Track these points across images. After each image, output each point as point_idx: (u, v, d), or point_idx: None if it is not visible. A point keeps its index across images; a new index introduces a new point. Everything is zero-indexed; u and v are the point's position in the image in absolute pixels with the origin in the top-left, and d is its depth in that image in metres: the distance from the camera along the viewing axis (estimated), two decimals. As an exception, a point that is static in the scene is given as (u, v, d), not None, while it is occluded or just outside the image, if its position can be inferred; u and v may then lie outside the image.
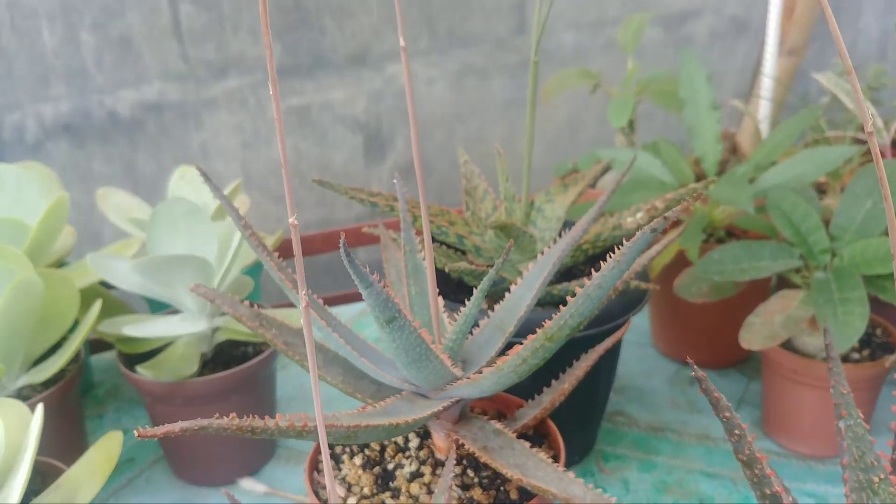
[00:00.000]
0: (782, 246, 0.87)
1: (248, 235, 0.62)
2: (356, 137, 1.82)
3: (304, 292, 0.39)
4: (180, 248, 0.86)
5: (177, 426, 0.45)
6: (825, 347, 0.53)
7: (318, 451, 0.66)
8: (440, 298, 0.66)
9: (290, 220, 0.37)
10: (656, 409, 1.00)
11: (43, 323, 0.86)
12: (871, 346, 0.89)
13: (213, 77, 1.64)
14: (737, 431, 0.45)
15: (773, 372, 0.90)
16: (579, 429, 0.90)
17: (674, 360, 1.10)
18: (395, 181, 0.67)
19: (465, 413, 0.65)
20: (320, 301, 0.63)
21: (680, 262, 0.95)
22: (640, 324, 1.18)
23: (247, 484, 0.90)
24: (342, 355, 0.64)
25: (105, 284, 1.00)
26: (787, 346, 0.88)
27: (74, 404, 0.90)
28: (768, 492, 0.45)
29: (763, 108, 1.34)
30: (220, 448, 0.89)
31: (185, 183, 1.10)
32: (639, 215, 0.80)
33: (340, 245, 0.46)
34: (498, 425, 0.63)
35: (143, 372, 0.80)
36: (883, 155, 1.09)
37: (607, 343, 0.70)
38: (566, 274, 0.86)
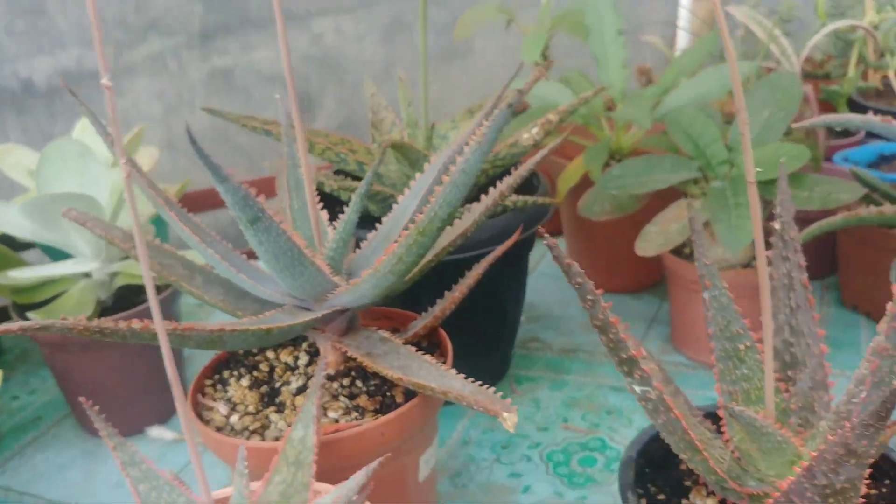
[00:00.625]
0: (681, 159, 0.88)
1: (125, 163, 0.60)
2: (283, 98, 1.79)
3: (124, 161, 0.38)
4: (71, 188, 0.83)
5: (14, 326, 0.44)
6: (689, 221, 0.53)
7: (203, 376, 0.65)
8: (324, 212, 0.65)
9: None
10: (570, 334, 1.00)
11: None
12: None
13: (133, 41, 1.59)
14: (589, 297, 0.45)
15: (677, 286, 0.91)
16: (489, 353, 0.90)
17: (591, 288, 1.10)
18: (276, 96, 0.66)
19: (354, 325, 0.64)
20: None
21: (588, 186, 0.95)
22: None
23: (155, 432, 0.88)
24: (224, 275, 0.62)
25: (6, 243, 0.96)
26: (689, 258, 0.89)
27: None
28: (624, 356, 0.45)
29: (681, 41, 1.35)
30: (127, 398, 0.87)
31: (87, 134, 1.07)
32: (534, 130, 0.79)
33: (188, 134, 0.45)
34: (385, 334, 0.62)
35: (33, 317, 0.78)
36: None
37: (498, 251, 0.70)
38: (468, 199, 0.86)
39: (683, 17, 1.34)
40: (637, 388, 0.47)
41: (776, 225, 0.57)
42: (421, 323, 0.66)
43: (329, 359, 0.63)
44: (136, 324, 0.48)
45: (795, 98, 0.87)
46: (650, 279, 1.07)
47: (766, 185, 0.84)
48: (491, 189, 0.68)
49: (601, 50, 1.03)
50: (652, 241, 0.80)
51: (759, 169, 0.84)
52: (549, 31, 1.17)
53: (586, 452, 0.80)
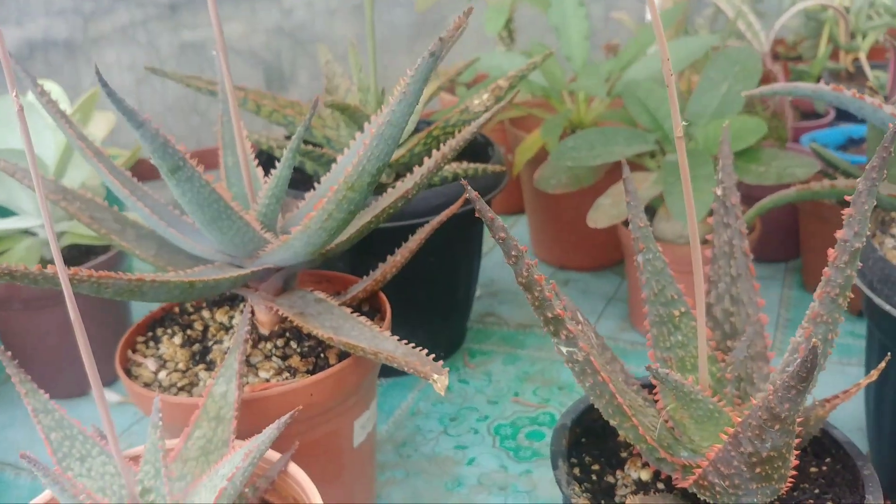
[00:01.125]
0: (637, 132, 0.87)
1: (59, 117, 0.58)
2: (256, 72, 1.76)
3: (13, 93, 0.36)
4: (14, 145, 0.81)
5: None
6: (623, 183, 0.51)
7: (135, 332, 0.63)
8: (259, 169, 0.63)
9: None
10: (527, 309, 0.99)
11: None
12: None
13: (101, 13, 1.56)
14: (514, 253, 0.43)
15: (632, 262, 0.89)
16: (441, 324, 0.89)
17: (551, 265, 1.09)
18: (213, 52, 0.63)
19: (290, 286, 0.63)
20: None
21: (546, 160, 0.94)
22: (520, 235, 1.17)
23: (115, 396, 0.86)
24: (158, 232, 0.60)
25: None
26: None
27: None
28: (550, 315, 0.44)
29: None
30: (72, 359, 0.85)
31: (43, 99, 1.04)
32: (485, 96, 0.78)
33: (97, 76, 0.43)
34: (321, 295, 0.61)
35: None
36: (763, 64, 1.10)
37: (442, 216, 0.68)
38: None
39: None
40: (563, 349, 0.45)
41: (717, 191, 0.56)
42: (361, 286, 0.65)
43: (261, 318, 0.61)
44: (47, 269, 0.46)
45: (754, 72, 0.85)
46: (612, 257, 1.06)
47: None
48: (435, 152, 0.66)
49: (561, 21, 1.01)
50: (605, 212, 0.79)
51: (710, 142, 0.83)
52: (513, 3, 1.15)
53: (535, 427, 0.79)
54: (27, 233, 0.84)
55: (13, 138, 0.81)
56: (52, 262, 0.85)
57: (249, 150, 0.63)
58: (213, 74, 1.80)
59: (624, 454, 0.54)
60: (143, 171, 0.72)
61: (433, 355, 0.52)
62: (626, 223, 0.88)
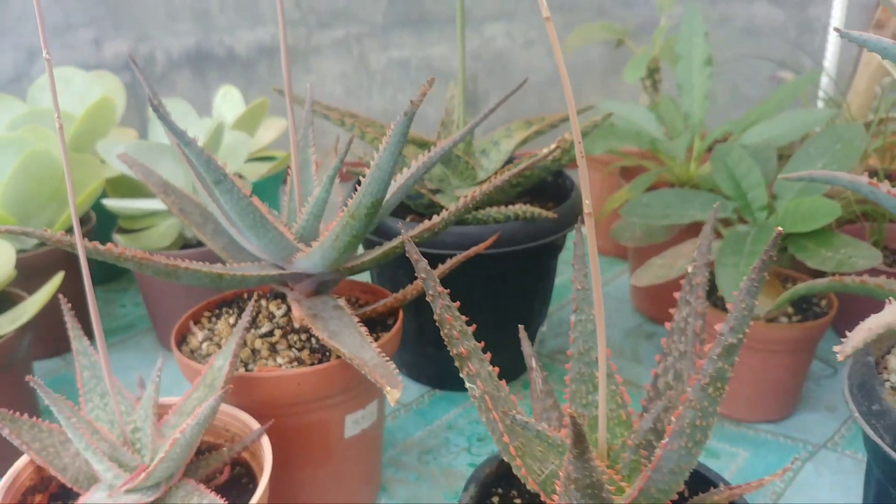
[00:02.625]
0: (716, 198, 0.86)
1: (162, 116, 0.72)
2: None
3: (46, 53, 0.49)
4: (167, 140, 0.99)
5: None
6: (575, 254, 0.55)
7: (204, 307, 0.77)
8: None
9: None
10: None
11: (63, 197, 1.02)
12: (806, 312, 0.86)
13: (322, 25, 1.78)
14: (431, 292, 0.49)
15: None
16: (499, 353, 0.94)
17: (643, 315, 1.10)
18: (307, 85, 0.75)
19: (323, 290, 0.73)
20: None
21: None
22: (626, 282, 1.18)
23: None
24: (227, 230, 0.73)
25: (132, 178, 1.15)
26: (717, 303, 0.88)
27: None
28: (455, 352, 0.49)
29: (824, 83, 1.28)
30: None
31: (226, 101, 1.24)
32: (553, 146, 0.82)
33: (138, 72, 0.55)
34: (341, 303, 0.70)
35: (118, 238, 0.95)
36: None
37: (469, 252, 0.75)
38: (492, 201, 0.91)
39: (829, 59, 1.27)
40: (467, 384, 0.51)
41: (689, 268, 0.57)
42: (382, 302, 0.73)
43: (295, 313, 0.72)
44: (102, 246, 0.60)
45: (856, 151, 0.82)
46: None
47: (797, 237, 0.81)
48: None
49: (686, 78, 1.02)
50: (651, 273, 0.80)
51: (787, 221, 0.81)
52: (657, 55, 1.17)
53: (559, 464, 0.83)
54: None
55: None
56: (191, 241, 1.02)
57: (313, 171, 0.74)
58: (412, 91, 1.96)
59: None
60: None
61: (396, 370, 0.59)
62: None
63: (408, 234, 0.68)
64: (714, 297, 0.89)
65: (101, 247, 0.59)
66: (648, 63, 1.23)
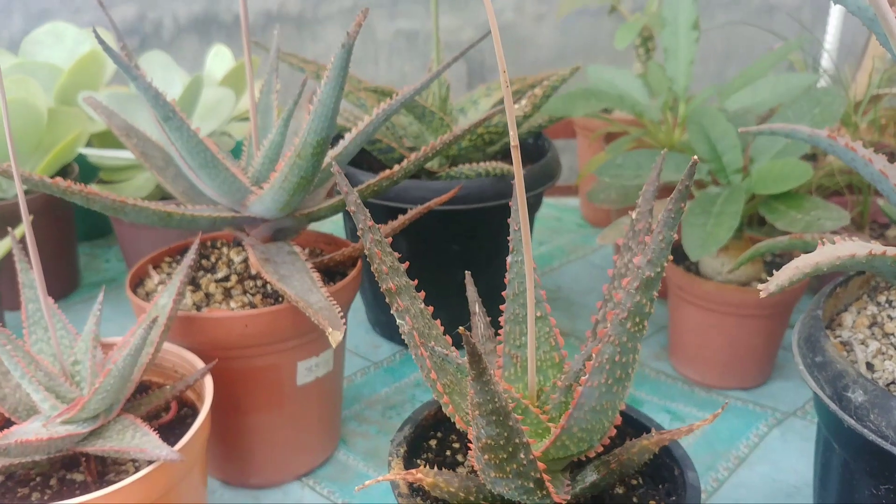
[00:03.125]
0: (690, 159, 0.85)
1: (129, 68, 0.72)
2: (460, 65, 1.88)
3: None
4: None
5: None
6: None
7: (164, 253, 0.77)
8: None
9: None
10: (577, 320, 1.00)
11: (45, 148, 1.03)
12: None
13: (332, -6, 1.77)
14: (361, 226, 0.49)
15: (671, 293, 0.88)
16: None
17: (623, 283, 1.09)
18: (275, 31, 0.75)
19: (280, 237, 0.72)
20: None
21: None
22: (611, 251, 1.17)
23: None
24: (184, 171, 0.73)
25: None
26: (691, 267, 0.87)
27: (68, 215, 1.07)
28: (384, 287, 0.49)
29: (825, 61, 1.26)
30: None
31: (217, 59, 1.24)
32: (523, 102, 0.81)
33: (94, 33, 0.55)
34: (296, 249, 0.70)
35: (95, 187, 0.95)
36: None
37: (429, 205, 0.74)
38: (466, 158, 0.90)
39: (829, 42, 1.24)
40: (397, 321, 0.50)
41: (633, 214, 0.56)
42: (340, 251, 0.73)
43: (252, 259, 0.72)
44: (49, 180, 0.60)
45: (834, 115, 0.80)
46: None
47: (768, 199, 0.79)
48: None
49: (672, 42, 1.00)
50: (617, 231, 0.79)
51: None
52: (649, 21, 1.15)
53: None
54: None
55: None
56: (167, 196, 1.02)
57: (275, 115, 0.73)
58: (422, 62, 1.94)
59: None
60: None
61: (343, 316, 0.59)
62: (675, 261, 0.87)
63: (338, 167, 0.67)
64: (687, 262, 0.87)
65: (47, 180, 0.59)
66: (642, 31, 1.21)
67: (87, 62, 1.09)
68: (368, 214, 0.49)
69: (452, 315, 0.92)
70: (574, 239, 1.25)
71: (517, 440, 0.42)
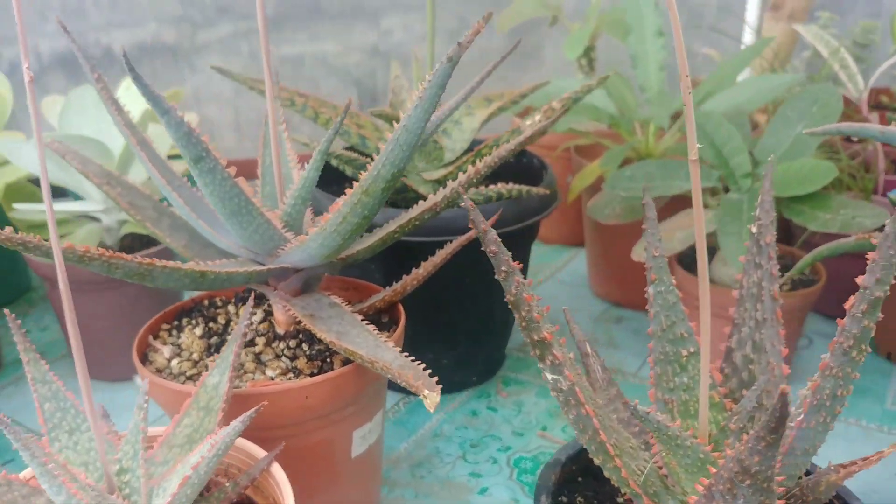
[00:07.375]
0: (701, 167, 0.83)
1: (110, 104, 0.59)
2: (349, 91, 1.80)
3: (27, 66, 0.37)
4: (87, 133, 0.85)
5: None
6: (643, 208, 0.49)
7: (161, 319, 0.65)
8: (297, 171, 0.64)
9: None
10: (570, 344, 0.95)
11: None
12: (795, 283, 0.84)
13: (208, 22, 1.64)
14: (504, 268, 0.41)
15: (684, 302, 0.85)
16: (474, 348, 0.87)
17: (605, 300, 1.06)
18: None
19: (310, 289, 0.63)
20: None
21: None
22: (577, 269, 1.14)
23: (140, 381, 0.88)
24: (190, 223, 0.62)
25: (35, 182, 0.99)
26: (691, 270, 0.84)
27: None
28: (536, 338, 0.42)
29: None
30: (121, 343, 0.88)
31: (130, 94, 1.10)
32: (537, 118, 0.76)
33: (123, 58, 0.44)
34: (336, 300, 0.60)
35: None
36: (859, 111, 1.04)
37: (471, 234, 0.67)
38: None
39: (747, 32, 1.28)
40: (549, 376, 0.43)
41: (753, 228, 0.52)
42: (380, 296, 0.64)
43: (279, 317, 0.62)
44: (66, 245, 0.48)
45: (834, 113, 0.80)
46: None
47: (789, 202, 0.78)
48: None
49: (640, 49, 0.98)
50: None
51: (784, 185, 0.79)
52: (595, 30, 1.13)
53: (560, 463, 0.76)
54: (90, 218, 0.88)
55: (87, 127, 0.86)
56: (111, 248, 0.88)
57: (289, 151, 0.64)
58: (308, 87, 1.84)
59: (620, 499, 0.51)
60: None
61: (429, 371, 0.51)
62: (678, 262, 0.85)
63: (471, 202, 0.59)
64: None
65: (56, 246, 0.47)
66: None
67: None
68: (510, 255, 0.42)
69: (467, 352, 0.86)
70: (533, 258, 1.21)
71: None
